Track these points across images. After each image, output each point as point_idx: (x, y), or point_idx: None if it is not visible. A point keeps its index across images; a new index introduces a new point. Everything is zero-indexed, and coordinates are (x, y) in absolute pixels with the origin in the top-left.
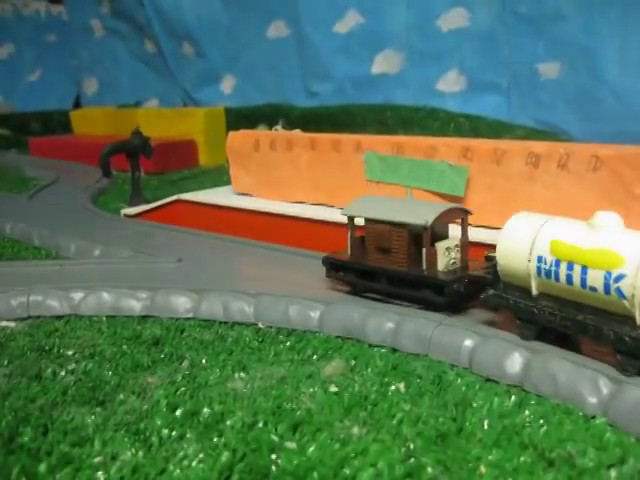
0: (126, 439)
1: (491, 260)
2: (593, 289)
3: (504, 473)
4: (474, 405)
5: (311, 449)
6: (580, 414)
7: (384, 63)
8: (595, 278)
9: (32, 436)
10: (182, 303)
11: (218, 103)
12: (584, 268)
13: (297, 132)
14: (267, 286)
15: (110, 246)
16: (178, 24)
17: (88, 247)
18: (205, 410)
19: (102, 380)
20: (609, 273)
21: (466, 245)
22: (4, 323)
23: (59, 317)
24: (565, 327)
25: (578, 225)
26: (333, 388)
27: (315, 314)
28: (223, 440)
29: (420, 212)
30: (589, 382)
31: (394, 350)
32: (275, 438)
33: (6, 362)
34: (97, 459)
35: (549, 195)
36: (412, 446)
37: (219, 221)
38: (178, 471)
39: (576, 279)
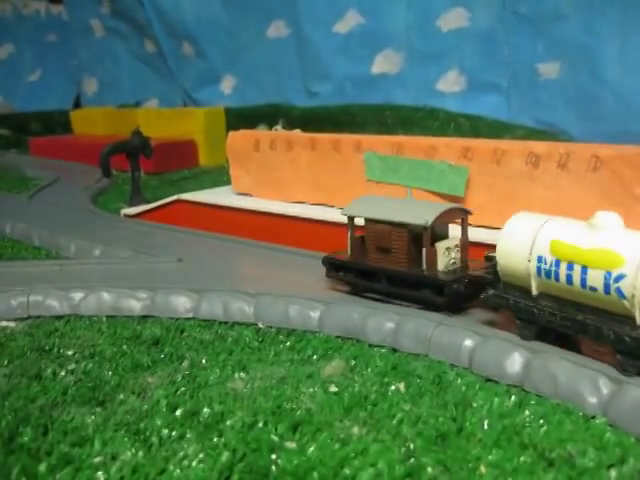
0: (126, 439)
1: (491, 260)
2: (593, 289)
3: (504, 473)
4: (474, 405)
5: (311, 449)
6: (580, 414)
7: (384, 63)
8: (595, 278)
9: (32, 436)
10: (182, 303)
11: (218, 103)
12: (584, 268)
13: (297, 132)
14: (267, 286)
15: (110, 246)
16: (178, 24)
17: (88, 247)
18: (205, 410)
19: (102, 380)
20: (609, 273)
21: (466, 245)
22: (4, 323)
23: (59, 317)
24: (565, 327)
25: (578, 225)
26: (333, 388)
27: (315, 314)
28: (223, 440)
29: (420, 212)
30: (589, 382)
31: (394, 350)
32: (275, 438)
33: (6, 362)
34: (97, 459)
35: (549, 195)
36: (412, 446)
37: (219, 221)
38: (178, 471)
39: (576, 279)
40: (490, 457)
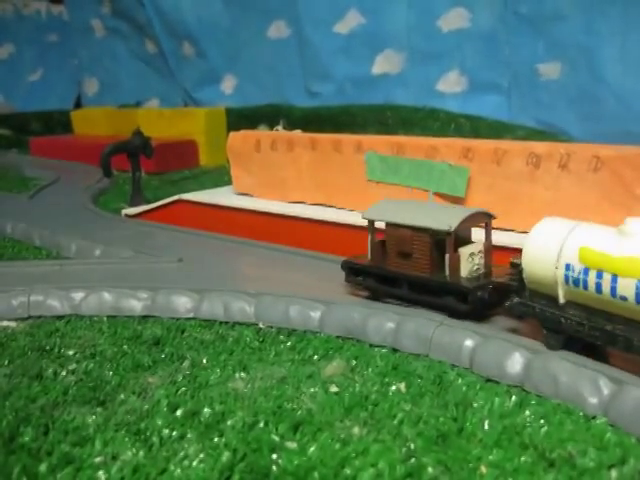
0: (127, 439)
1: (516, 267)
2: (623, 298)
3: (504, 473)
4: (475, 405)
5: (312, 449)
6: (581, 414)
7: (385, 63)
8: (625, 287)
9: (33, 436)
10: (183, 303)
11: (219, 103)
12: (614, 276)
13: (297, 132)
14: (268, 286)
15: (111, 246)
16: (179, 24)
17: (89, 247)
18: (206, 410)
19: (103, 380)
20: None
21: (490, 250)
22: (5, 323)
23: (60, 317)
24: (593, 337)
25: (607, 232)
26: (334, 388)
27: (316, 314)
28: (224, 440)
29: (443, 217)
30: (590, 382)
31: (395, 350)
32: (276, 438)
33: (7, 362)
34: (98, 459)
35: (550, 195)
36: (413, 446)
37: (220, 221)
38: (179, 471)
39: (605, 288)
40: (491, 457)
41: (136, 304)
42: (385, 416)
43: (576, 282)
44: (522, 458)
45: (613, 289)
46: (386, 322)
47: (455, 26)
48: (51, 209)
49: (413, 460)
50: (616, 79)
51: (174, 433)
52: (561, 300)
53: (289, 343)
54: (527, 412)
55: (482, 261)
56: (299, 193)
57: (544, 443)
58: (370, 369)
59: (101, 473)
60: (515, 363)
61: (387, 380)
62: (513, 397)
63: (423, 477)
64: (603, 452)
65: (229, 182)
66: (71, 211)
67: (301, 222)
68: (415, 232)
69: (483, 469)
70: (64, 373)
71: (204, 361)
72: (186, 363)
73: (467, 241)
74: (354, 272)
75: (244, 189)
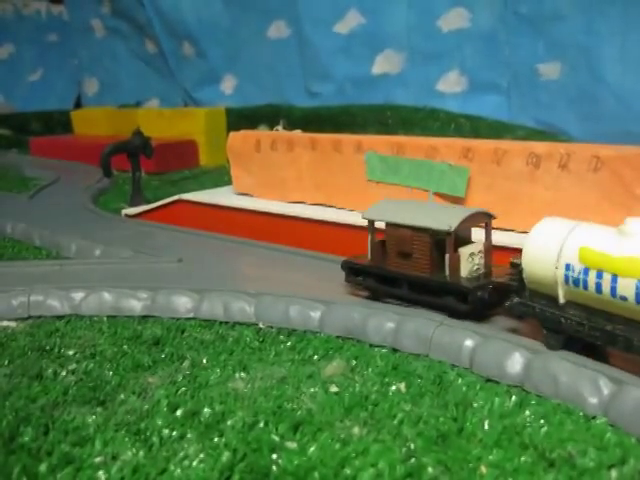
0: (127, 439)
1: (516, 266)
2: (623, 298)
3: (505, 473)
4: (475, 405)
5: (312, 449)
6: (581, 414)
7: (385, 63)
8: (625, 287)
9: (33, 436)
10: (183, 303)
11: (219, 103)
12: (614, 276)
13: (297, 132)
14: (268, 286)
15: (111, 246)
16: (179, 24)
17: (89, 247)
18: (206, 410)
19: (103, 380)
20: None
21: (490, 250)
22: (5, 323)
23: (60, 317)
24: (593, 337)
25: (607, 232)
26: (334, 388)
27: (316, 314)
28: (224, 440)
29: (443, 217)
30: (590, 382)
31: (395, 350)
32: (276, 438)
33: (7, 362)
34: (98, 459)
35: (550, 195)
36: (413, 446)
37: (220, 221)
38: (179, 471)
39: (605, 288)
40: (491, 457)
41: (136, 304)
42: (385, 416)
43: (576, 282)
44: (522, 458)
45: (613, 289)
46: (386, 322)
47: (455, 26)
48: (51, 209)
49: (413, 460)
50: (616, 79)
51: (174, 433)
52: (561, 300)
53: (289, 343)
54: (527, 412)
55: (482, 261)
56: (299, 193)
57: (544, 443)
58: (370, 369)
59: (101, 473)
60: (515, 363)
61: (387, 380)
62: (513, 397)
63: (423, 477)
64: (603, 452)
65: (229, 182)
66: (71, 211)
67: (301, 222)
68: (415, 232)
69: (483, 469)
70: (64, 373)
71: (204, 361)
72: (186, 363)
73: (467, 241)
74: (354, 272)
75: (244, 189)
